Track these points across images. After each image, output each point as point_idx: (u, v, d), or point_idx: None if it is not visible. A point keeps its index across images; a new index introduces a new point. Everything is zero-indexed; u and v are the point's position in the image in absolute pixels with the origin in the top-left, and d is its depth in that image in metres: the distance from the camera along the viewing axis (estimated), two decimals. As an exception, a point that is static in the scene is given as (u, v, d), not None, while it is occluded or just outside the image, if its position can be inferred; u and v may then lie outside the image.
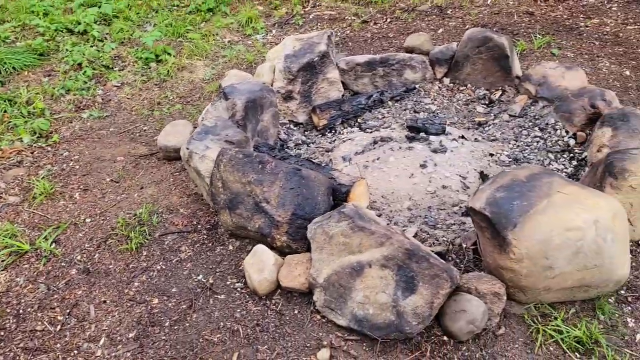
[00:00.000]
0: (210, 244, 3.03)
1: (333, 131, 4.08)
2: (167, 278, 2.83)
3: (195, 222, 3.18)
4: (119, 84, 4.85)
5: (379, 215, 3.16)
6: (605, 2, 5.70)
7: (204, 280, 2.79)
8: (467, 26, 5.48)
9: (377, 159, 3.53)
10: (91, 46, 5.34)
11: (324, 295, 2.52)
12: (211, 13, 6.16)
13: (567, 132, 3.65)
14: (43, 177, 3.58)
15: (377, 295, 2.41)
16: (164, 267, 2.90)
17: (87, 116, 4.38)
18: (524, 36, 5.20)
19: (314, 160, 3.58)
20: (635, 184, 2.65)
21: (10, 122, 4.16)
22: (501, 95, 4.20)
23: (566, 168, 3.41)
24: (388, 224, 2.56)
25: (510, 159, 3.58)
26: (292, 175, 2.81)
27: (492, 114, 4.08)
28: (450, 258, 2.79)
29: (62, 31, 5.64)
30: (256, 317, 2.59)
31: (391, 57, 4.41)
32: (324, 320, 2.54)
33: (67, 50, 5.25)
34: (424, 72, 4.45)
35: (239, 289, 2.74)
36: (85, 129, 4.20)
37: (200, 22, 5.98)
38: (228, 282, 2.78)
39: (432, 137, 3.70)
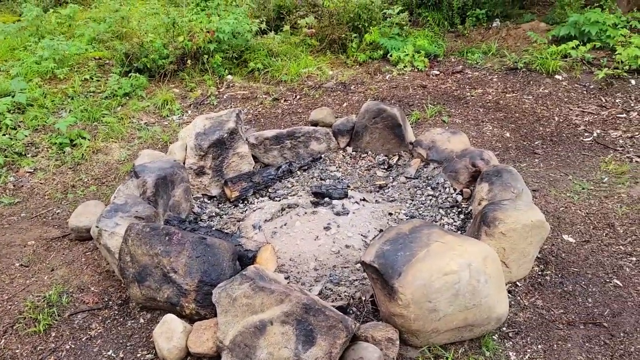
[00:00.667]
0: (121, 319, 3.08)
1: (245, 202, 4.29)
2: (76, 357, 2.84)
3: (106, 299, 3.23)
4: (32, 170, 4.89)
5: (287, 278, 3.34)
6: (487, 74, 6.42)
7: (114, 356, 2.83)
8: (369, 100, 5.98)
9: (285, 225, 3.75)
10: (3, 135, 5.37)
11: (231, 357, 2.63)
12: (127, 97, 6.37)
13: (454, 189, 4.05)
14: (-53, 267, 3.53)
15: (280, 351, 2.55)
16: (73, 346, 2.91)
17: (-3, 203, 4.37)
18: (418, 106, 5.75)
19: (224, 230, 3.76)
20: (504, 230, 3.01)
21: None
22: (398, 160, 4.60)
23: (455, 222, 3.77)
24: (288, 283, 2.75)
25: (408, 217, 3.91)
26: (198, 244, 2.97)
27: (390, 177, 4.45)
28: (351, 311, 2.99)
29: (-28, 121, 5.64)
30: (166, 385, 2.64)
31: (297, 130, 4.76)
32: (232, 382, 2.64)
33: (-23, 139, 5.25)
34: (328, 142, 4.82)
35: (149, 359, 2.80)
36: (-6, 216, 4.19)
37: (117, 106, 6.17)
38: (139, 355, 2.83)
39: (335, 202, 3.98)
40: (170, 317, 2.82)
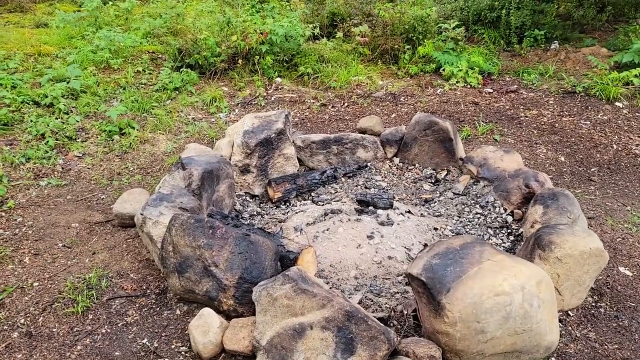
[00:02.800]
0: (158, 309, 3.05)
1: (287, 204, 4.24)
2: (111, 342, 2.82)
3: (144, 287, 3.21)
4: (81, 155, 4.95)
5: (327, 283, 3.25)
6: (544, 96, 6.23)
7: (149, 344, 2.79)
8: (418, 112, 5.87)
9: (327, 230, 3.67)
10: (56, 118, 5.48)
11: (266, 358, 2.56)
12: (177, 92, 6.44)
13: (505, 209, 3.90)
14: (-7, 241, 3.58)
15: (318, 357, 2.46)
16: (109, 330, 2.89)
17: (45, 184, 4.43)
18: (469, 123, 5.61)
19: (266, 229, 3.70)
20: (560, 256, 2.85)
21: (-34, 187, 4.18)
22: (446, 174, 4.47)
23: (504, 243, 3.62)
24: (330, 289, 2.66)
25: (454, 233, 3.78)
26: (241, 241, 2.92)
27: (437, 192, 4.32)
28: (391, 324, 2.88)
29: (28, 103, 5.78)
30: (198, 380, 2.59)
31: (345, 136, 4.69)
32: (266, 384, 2.56)
33: (31, 121, 5.36)
34: (376, 151, 4.73)
35: (183, 352, 2.75)
36: (42, 196, 4.25)
37: (166, 99, 6.23)
38: (173, 346, 2.79)
39: (380, 211, 3.88)
40: (207, 311, 2.78)
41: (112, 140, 5.23)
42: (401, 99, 6.31)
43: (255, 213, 4.10)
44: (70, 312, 3.00)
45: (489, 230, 3.77)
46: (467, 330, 2.49)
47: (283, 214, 4.06)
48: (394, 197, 4.15)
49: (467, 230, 3.81)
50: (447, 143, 4.49)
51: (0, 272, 3.34)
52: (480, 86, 6.53)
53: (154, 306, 3.06)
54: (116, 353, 2.75)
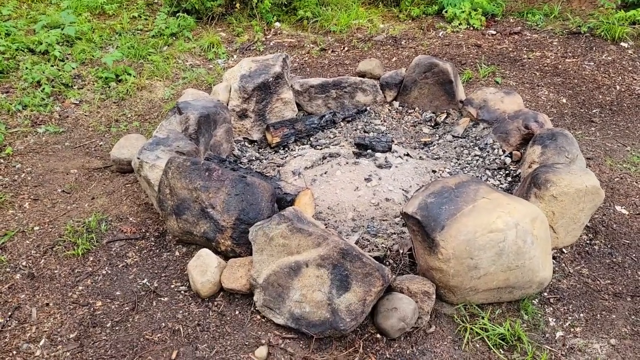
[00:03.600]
0: (157, 250, 3.09)
1: (286, 148, 4.23)
2: (112, 282, 2.88)
3: (144, 230, 3.25)
4: (78, 102, 4.92)
5: (325, 225, 3.28)
6: (548, 37, 6.09)
7: (149, 284, 2.85)
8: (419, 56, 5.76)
9: (325, 173, 3.67)
10: (52, 65, 5.40)
11: (263, 295, 2.61)
12: (174, 37, 6.32)
13: (503, 151, 3.88)
14: (-7, 187, 3.61)
15: (314, 294, 2.51)
16: (109, 271, 2.95)
17: (42, 131, 4.43)
18: (470, 66, 5.51)
19: (264, 173, 3.71)
20: (556, 194, 2.85)
21: (-37, 134, 4.18)
22: (446, 117, 4.43)
23: (502, 184, 3.62)
24: (326, 228, 2.69)
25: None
26: (238, 182, 2.92)
27: (436, 135, 4.30)
28: (387, 263, 2.92)
29: (23, 50, 5.69)
30: (197, 317, 2.66)
31: (344, 80, 4.62)
32: (263, 320, 2.63)
33: (27, 68, 5.30)
34: (375, 95, 4.67)
35: (182, 291, 2.81)
36: (40, 143, 4.25)
37: (163, 45, 6.13)
38: (172, 286, 2.84)
39: (378, 154, 3.87)
40: (205, 252, 2.82)
41: (109, 87, 5.18)
42: (402, 43, 6.18)
43: (253, 158, 4.10)
44: (70, 254, 3.05)
45: (487, 171, 3.76)
46: (461, 266, 2.52)
47: (281, 159, 4.06)
48: (393, 141, 4.13)
49: (465, 172, 3.80)
50: (447, 85, 4.42)
51: (0, 217, 3.38)
52: (483, 28, 6.38)
53: (153, 248, 3.11)
54: (117, 292, 2.81)
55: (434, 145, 4.19)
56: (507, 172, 3.73)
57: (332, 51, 6.11)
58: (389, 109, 4.66)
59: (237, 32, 6.56)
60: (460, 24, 6.43)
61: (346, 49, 6.15)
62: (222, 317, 2.65)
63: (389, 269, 2.57)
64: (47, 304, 2.75)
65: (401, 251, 2.97)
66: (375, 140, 3.98)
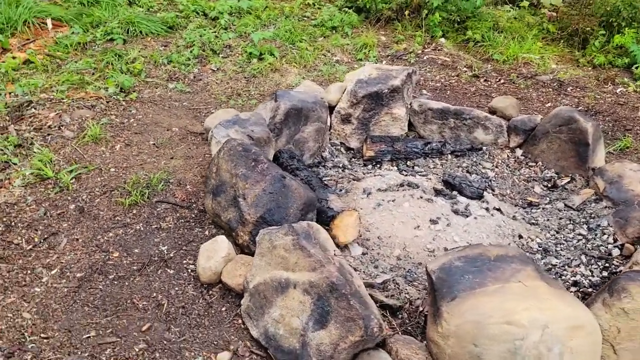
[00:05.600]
0: (193, 223, 3.11)
1: (377, 165, 3.97)
2: (137, 239, 2.96)
3: (193, 200, 3.29)
4: (215, 69, 5.19)
5: (364, 254, 3.01)
6: None
7: (166, 252, 2.88)
8: (580, 108, 5.01)
9: (393, 201, 3.36)
10: (212, 32, 5.78)
11: (249, 302, 2.47)
12: (333, 31, 6.34)
13: (615, 239, 3.17)
14: (101, 124, 3.95)
15: (291, 319, 2.30)
16: (141, 228, 3.04)
17: (172, 87, 4.75)
18: (636, 134, 4.62)
19: (323, 180, 3.53)
20: (628, 308, 2.22)
21: (108, 73, 4.66)
22: (568, 182, 3.77)
23: (591, 276, 2.95)
24: (335, 255, 2.43)
25: (540, 248, 3.20)
26: (276, 181, 2.79)
27: (547, 198, 3.68)
28: (400, 315, 2.57)
29: (198, 13, 6.19)
30: (186, 300, 2.61)
31: (466, 111, 4.19)
32: (242, 326, 2.49)
33: (190, 29, 5.75)
34: (497, 136, 4.16)
35: (189, 270, 2.78)
36: (163, 97, 4.57)
37: (320, 36, 6.19)
38: (184, 262, 2.83)
39: (461, 198, 3.43)
40: (221, 239, 2.75)
41: (250, 62, 5.38)
42: (568, 89, 5.43)
43: (339, 165, 3.92)
44: (120, 201, 3.21)
45: (583, 257, 3.11)
46: (460, 349, 2.09)
47: (364, 174, 3.82)
48: (486, 189, 3.63)
49: (557, 250, 3.19)
50: (581, 147, 3.75)
51: (92, 150, 3.69)
52: (676, 96, 5.32)
53: (190, 220, 3.13)
54: (135, 250, 2.88)
55: (539, 208, 3.59)
56: (608, 264, 3.03)
57: (485, 80, 5.60)
58: (507, 155, 4.11)
59: (397, 39, 6.37)
60: (648, 84, 5.44)
61: (502, 81, 5.59)
62: (208, 309, 2.56)
63: (383, 323, 2.24)
64: (77, 239, 2.92)
65: (421, 308, 2.58)
66: (466, 182, 3.53)
